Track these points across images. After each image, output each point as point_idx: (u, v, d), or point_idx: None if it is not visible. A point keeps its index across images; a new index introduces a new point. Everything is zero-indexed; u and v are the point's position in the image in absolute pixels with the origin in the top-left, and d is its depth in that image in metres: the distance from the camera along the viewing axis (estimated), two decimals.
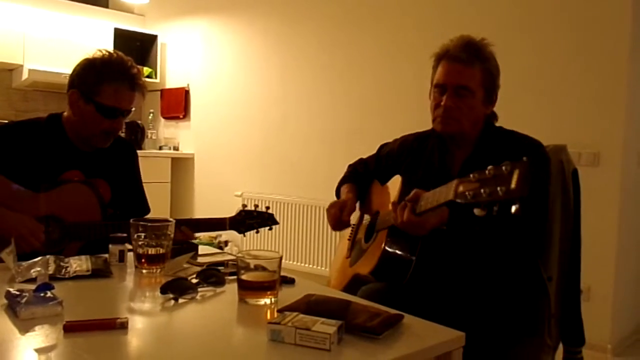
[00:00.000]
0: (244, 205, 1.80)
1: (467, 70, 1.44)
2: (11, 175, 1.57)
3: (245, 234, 1.78)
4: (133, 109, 1.71)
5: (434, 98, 1.51)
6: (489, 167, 1.04)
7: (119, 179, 1.77)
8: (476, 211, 1.05)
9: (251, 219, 1.76)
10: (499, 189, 1.00)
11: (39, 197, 1.58)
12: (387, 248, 1.45)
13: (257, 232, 1.79)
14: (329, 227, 1.69)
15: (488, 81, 1.47)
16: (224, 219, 1.74)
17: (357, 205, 1.74)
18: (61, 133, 1.70)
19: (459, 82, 1.44)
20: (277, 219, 1.81)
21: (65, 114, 1.72)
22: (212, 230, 1.81)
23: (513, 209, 0.98)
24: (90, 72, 1.64)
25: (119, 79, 1.64)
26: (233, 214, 1.76)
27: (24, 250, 1.43)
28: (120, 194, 1.75)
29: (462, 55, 1.44)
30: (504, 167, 1.01)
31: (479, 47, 1.47)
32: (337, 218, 1.62)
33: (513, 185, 0.98)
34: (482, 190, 1.03)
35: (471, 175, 1.07)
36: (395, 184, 1.59)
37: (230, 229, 1.75)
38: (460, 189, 1.09)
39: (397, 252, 1.44)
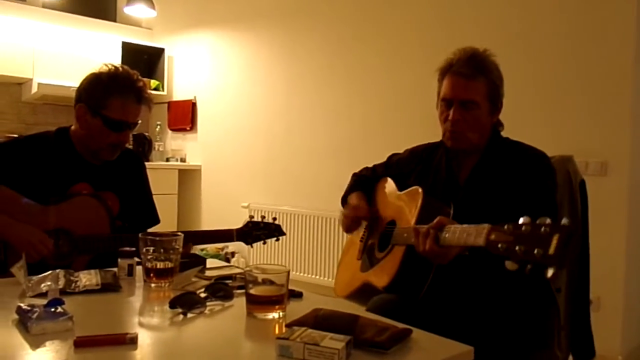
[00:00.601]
0: (251, 217, 1.81)
1: (471, 84, 1.46)
2: (20, 189, 1.59)
3: (252, 245, 1.79)
4: (139, 121, 1.73)
5: (441, 111, 1.53)
6: (525, 220, 1.00)
7: (127, 191, 1.78)
8: (508, 264, 1.01)
9: (258, 230, 1.77)
10: (536, 251, 0.95)
11: (48, 210, 1.59)
12: (403, 267, 1.43)
13: (264, 243, 1.79)
14: (335, 237, 1.69)
15: (493, 92, 1.49)
16: (231, 230, 1.75)
17: None
18: (69, 146, 1.72)
19: (464, 97, 1.46)
20: (284, 230, 1.82)
21: (72, 127, 1.73)
22: (219, 241, 1.83)
23: (549, 273, 0.93)
24: (97, 86, 1.66)
25: (125, 92, 1.66)
26: (240, 225, 1.77)
27: (34, 258, 1.44)
28: (128, 205, 1.76)
29: (466, 71, 1.46)
30: (542, 228, 0.96)
31: (481, 60, 1.49)
32: (354, 218, 1.64)
33: (552, 250, 0.93)
34: (516, 248, 0.99)
35: (505, 226, 1.04)
36: (415, 195, 1.53)
37: (238, 240, 1.76)
38: (493, 237, 1.06)
39: (414, 270, 1.42)
